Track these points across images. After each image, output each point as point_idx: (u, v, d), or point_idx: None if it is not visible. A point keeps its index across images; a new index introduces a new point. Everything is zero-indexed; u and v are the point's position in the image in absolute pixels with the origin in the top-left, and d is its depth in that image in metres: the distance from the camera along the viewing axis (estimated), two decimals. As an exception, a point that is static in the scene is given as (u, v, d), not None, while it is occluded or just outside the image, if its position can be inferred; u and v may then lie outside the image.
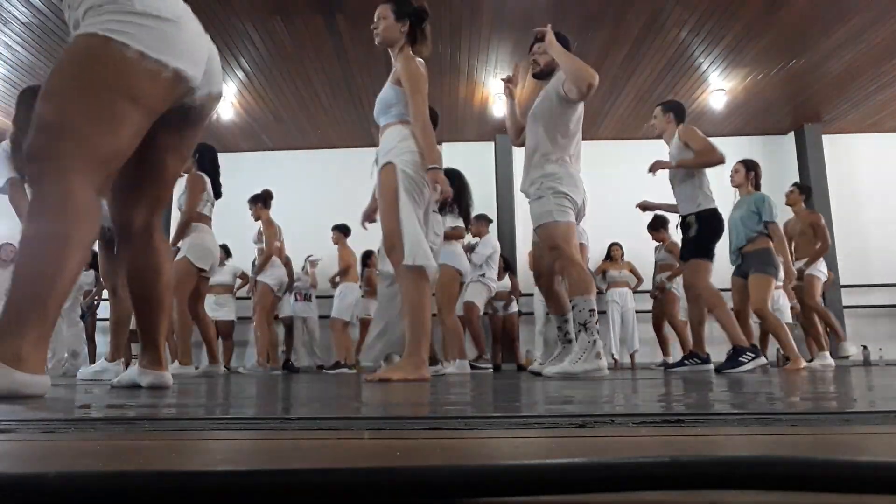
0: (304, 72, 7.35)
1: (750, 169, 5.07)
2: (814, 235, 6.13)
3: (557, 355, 3.52)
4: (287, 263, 7.42)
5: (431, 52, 3.19)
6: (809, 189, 6.41)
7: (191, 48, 1.78)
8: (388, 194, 2.94)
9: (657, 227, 7.14)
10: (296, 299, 7.75)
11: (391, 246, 2.92)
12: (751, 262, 4.83)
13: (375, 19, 3.11)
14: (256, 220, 6.51)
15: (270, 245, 6.36)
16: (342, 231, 7.56)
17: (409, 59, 3.03)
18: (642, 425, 0.77)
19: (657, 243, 7.42)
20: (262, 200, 6.44)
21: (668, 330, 7.36)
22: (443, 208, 4.90)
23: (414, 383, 2.47)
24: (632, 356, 7.77)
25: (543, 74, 3.52)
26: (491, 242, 6.38)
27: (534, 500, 0.35)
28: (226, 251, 7.70)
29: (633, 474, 0.35)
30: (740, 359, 4.20)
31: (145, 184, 1.95)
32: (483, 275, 6.34)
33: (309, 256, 7.92)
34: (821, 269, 6.15)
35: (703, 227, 4.41)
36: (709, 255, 4.41)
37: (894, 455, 0.60)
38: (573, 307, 3.20)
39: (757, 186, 5.06)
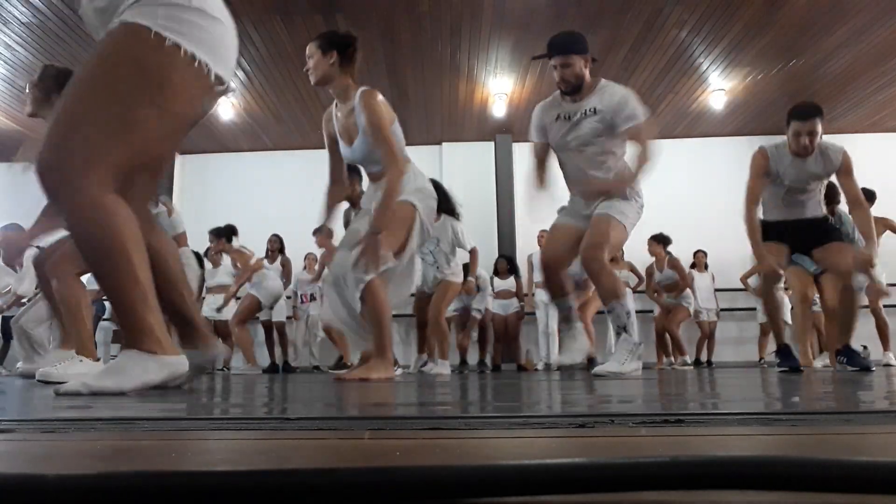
0: (304, 72, 7.35)
1: None
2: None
3: (563, 349, 3.46)
4: (285, 264, 7.40)
5: (358, 73, 3.17)
6: (871, 193, 5.72)
7: (231, 52, 1.68)
8: (400, 230, 2.99)
9: (659, 240, 7.24)
10: (301, 301, 7.74)
11: (368, 265, 2.89)
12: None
13: (307, 59, 3.09)
14: (218, 253, 6.55)
15: (245, 269, 6.45)
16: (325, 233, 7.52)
17: (370, 98, 2.99)
18: (642, 425, 0.77)
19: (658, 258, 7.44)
20: (224, 235, 6.51)
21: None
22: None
23: (390, 382, 2.56)
24: None
25: (576, 89, 3.22)
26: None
27: (534, 500, 0.35)
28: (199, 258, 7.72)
29: (633, 474, 0.35)
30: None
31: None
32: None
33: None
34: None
35: None
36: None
37: (894, 455, 0.60)
38: (610, 311, 3.16)
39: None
